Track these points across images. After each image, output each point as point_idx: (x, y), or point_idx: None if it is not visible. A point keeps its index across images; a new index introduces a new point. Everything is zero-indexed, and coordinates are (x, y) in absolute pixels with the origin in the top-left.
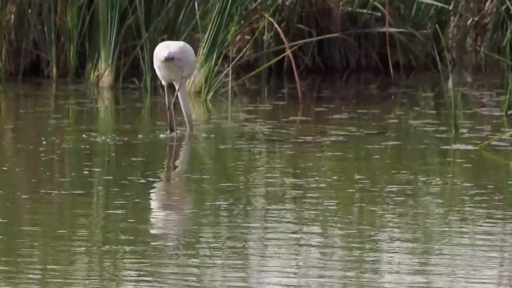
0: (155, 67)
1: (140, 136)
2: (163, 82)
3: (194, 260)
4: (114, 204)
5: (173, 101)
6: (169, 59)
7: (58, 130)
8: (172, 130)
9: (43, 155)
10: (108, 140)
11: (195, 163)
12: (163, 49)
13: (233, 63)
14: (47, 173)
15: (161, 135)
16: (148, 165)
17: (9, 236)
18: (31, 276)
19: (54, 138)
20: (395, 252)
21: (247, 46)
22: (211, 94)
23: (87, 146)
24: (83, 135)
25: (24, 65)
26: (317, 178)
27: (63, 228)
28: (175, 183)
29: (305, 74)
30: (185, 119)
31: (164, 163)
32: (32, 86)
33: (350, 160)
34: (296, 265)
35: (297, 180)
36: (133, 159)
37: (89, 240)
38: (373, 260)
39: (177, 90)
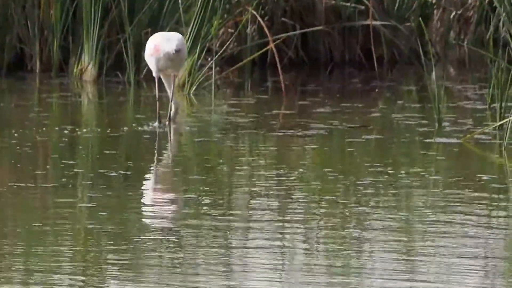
0: (151, 59)
1: (122, 128)
2: (156, 74)
3: (178, 254)
4: (92, 197)
5: (157, 93)
6: (178, 51)
7: (37, 123)
8: (160, 121)
9: (17, 148)
10: (88, 133)
11: (178, 156)
12: (166, 41)
13: (216, 56)
14: (20, 166)
15: (145, 127)
16: (129, 158)
17: None
18: (14, 269)
19: (30, 131)
20: (380, 250)
21: (230, 40)
22: (195, 87)
23: (66, 139)
24: (62, 129)
25: (7, 59)
26: (299, 171)
27: (42, 222)
28: (158, 176)
29: (288, 68)
30: (173, 108)
31: (146, 156)
32: (15, 80)
33: (332, 153)
34: (280, 259)
35: (279, 172)
36: (114, 151)
37: (71, 235)
38: (356, 253)
39: (172, 82)
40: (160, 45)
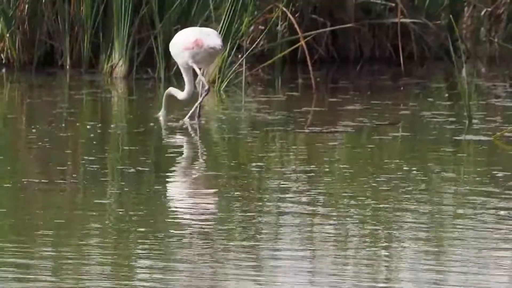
0: (185, 52)
1: (152, 125)
2: (186, 67)
3: (208, 249)
4: (120, 193)
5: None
6: (222, 47)
7: (63, 119)
8: (193, 117)
9: (40, 143)
10: (116, 129)
11: (208, 152)
12: (206, 36)
13: (247, 53)
14: (45, 162)
15: (175, 123)
16: (158, 154)
17: (19, 226)
18: (44, 266)
19: (56, 127)
20: (407, 246)
21: (261, 36)
22: (225, 84)
23: (93, 135)
24: (91, 125)
25: (38, 55)
26: (327, 168)
27: (72, 219)
28: (187, 172)
29: (319, 65)
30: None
31: (176, 152)
32: (45, 77)
33: (361, 150)
34: (310, 255)
35: (308, 169)
36: (143, 147)
37: (100, 230)
38: (385, 249)
39: (204, 76)
40: (203, 39)
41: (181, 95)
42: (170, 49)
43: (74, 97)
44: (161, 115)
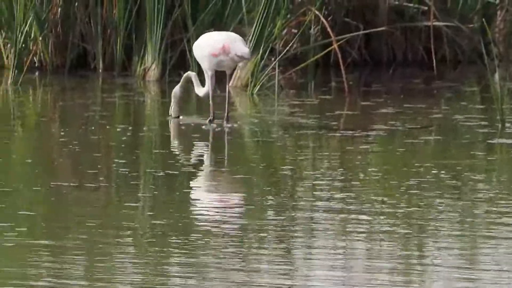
0: (211, 58)
1: (183, 128)
2: (211, 72)
3: (240, 253)
4: (151, 196)
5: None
6: (250, 55)
7: (94, 122)
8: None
9: (71, 146)
10: (147, 132)
11: (240, 156)
12: (233, 42)
13: (279, 56)
14: (75, 165)
15: (207, 127)
16: (189, 157)
17: (52, 229)
18: (76, 268)
19: (86, 129)
20: (441, 247)
21: (293, 40)
22: (258, 87)
23: (123, 138)
24: (122, 128)
25: (70, 58)
26: (359, 172)
27: (103, 222)
28: (218, 175)
29: (351, 68)
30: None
31: (207, 155)
32: (78, 79)
33: (394, 154)
34: (343, 258)
35: (341, 173)
36: (173, 150)
37: (131, 233)
38: (418, 252)
39: (229, 79)
40: (230, 46)
41: (200, 90)
42: (194, 52)
43: (107, 100)
44: (174, 94)
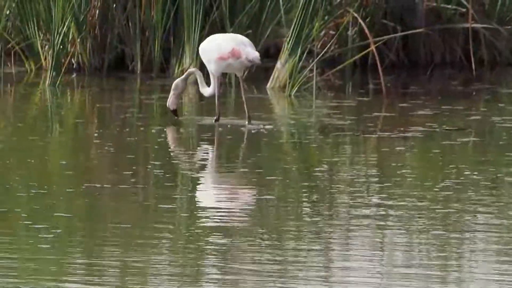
0: (220, 61)
1: (219, 129)
2: (218, 75)
3: (277, 256)
4: (187, 198)
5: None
6: (260, 60)
7: (131, 124)
8: (249, 121)
9: (106, 147)
10: (181, 134)
11: (278, 156)
12: (244, 46)
13: (317, 58)
14: (112, 166)
15: (243, 128)
16: (228, 158)
17: (87, 230)
18: (111, 269)
19: (123, 131)
20: (478, 251)
21: (331, 41)
22: (296, 89)
23: (159, 140)
24: (157, 129)
25: (108, 59)
26: (396, 173)
27: (137, 223)
28: (254, 177)
29: (389, 70)
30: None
31: (243, 156)
32: (116, 81)
33: (431, 155)
34: (379, 263)
35: (378, 174)
36: (207, 152)
37: (167, 234)
38: (456, 255)
39: (241, 81)
40: (241, 50)
41: (205, 90)
42: (201, 55)
43: (144, 101)
44: (176, 86)
